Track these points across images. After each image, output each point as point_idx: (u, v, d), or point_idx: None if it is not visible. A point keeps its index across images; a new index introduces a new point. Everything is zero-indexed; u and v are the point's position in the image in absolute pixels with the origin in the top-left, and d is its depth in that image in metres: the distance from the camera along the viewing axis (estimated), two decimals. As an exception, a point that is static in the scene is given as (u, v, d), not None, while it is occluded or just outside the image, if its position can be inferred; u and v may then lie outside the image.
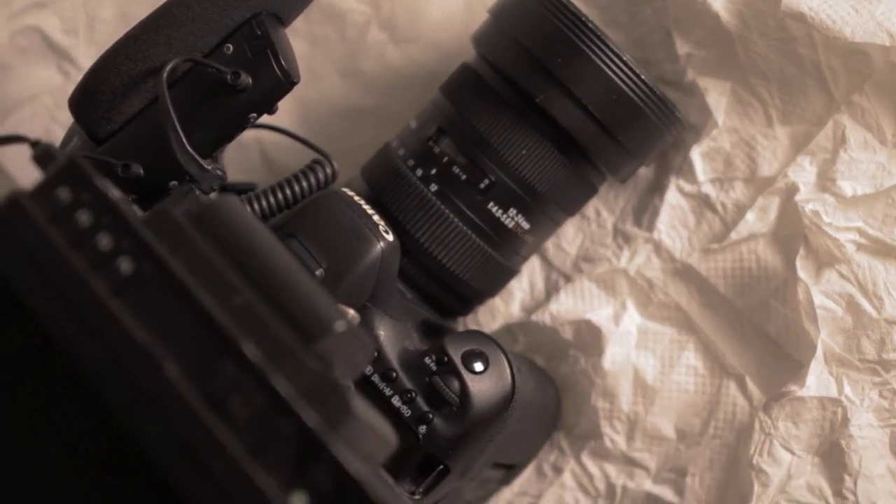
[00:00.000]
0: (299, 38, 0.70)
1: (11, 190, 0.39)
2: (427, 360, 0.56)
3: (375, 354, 0.57)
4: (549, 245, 0.68)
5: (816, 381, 0.60)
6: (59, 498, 0.37)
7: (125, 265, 0.38)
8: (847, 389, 0.60)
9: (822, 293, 0.61)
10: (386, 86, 0.71)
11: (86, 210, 0.39)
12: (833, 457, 0.60)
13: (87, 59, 0.70)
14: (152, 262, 0.38)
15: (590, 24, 0.57)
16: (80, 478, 0.37)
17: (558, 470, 0.66)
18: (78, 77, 0.55)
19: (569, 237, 0.68)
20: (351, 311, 0.49)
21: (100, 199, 0.39)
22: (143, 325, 0.37)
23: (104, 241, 0.38)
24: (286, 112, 0.68)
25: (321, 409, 0.36)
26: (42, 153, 0.42)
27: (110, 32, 0.69)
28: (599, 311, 0.66)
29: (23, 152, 0.71)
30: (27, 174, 0.55)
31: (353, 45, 0.71)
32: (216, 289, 0.38)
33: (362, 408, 0.38)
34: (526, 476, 0.66)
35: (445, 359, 0.56)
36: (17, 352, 0.38)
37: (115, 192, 0.39)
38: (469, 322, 0.68)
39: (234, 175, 0.64)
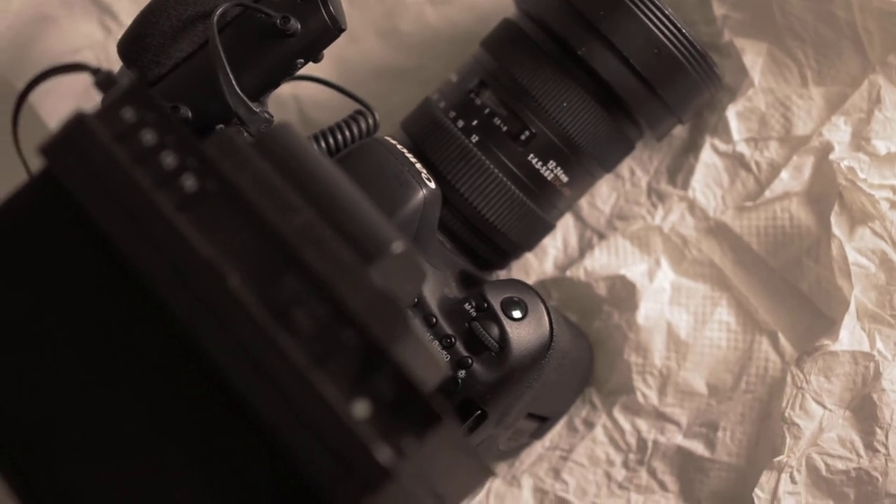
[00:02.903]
0: (338, -3, 0.71)
1: (76, 110, 0.40)
2: (467, 305, 0.57)
3: (416, 300, 0.57)
4: (583, 203, 0.68)
5: (849, 335, 0.61)
6: (127, 409, 0.38)
7: (189, 182, 0.39)
8: (879, 344, 0.61)
9: (855, 250, 0.62)
10: (424, 46, 0.71)
11: (150, 129, 0.39)
12: (864, 410, 0.60)
13: (128, 15, 0.70)
14: (216, 180, 0.39)
15: (632, -23, 0.58)
16: (148, 389, 0.38)
17: (590, 425, 0.66)
18: (119, 33, 0.56)
19: (603, 196, 0.68)
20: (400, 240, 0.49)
21: (163, 119, 0.40)
22: (207, 239, 0.38)
23: (168, 160, 0.39)
24: (323, 70, 0.69)
25: (381, 324, 0.37)
26: (104, 79, 0.43)
27: (152, -11, 0.70)
28: (633, 267, 0.66)
29: (59, 107, 0.72)
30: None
31: (391, 5, 0.72)
32: (278, 207, 0.39)
33: (419, 328, 0.39)
34: (557, 430, 0.67)
35: (485, 305, 0.57)
36: (85, 269, 0.39)
37: (177, 116, 0.40)
38: (502, 277, 0.68)
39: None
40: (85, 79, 0.73)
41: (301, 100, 0.72)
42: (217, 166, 0.39)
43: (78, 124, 0.39)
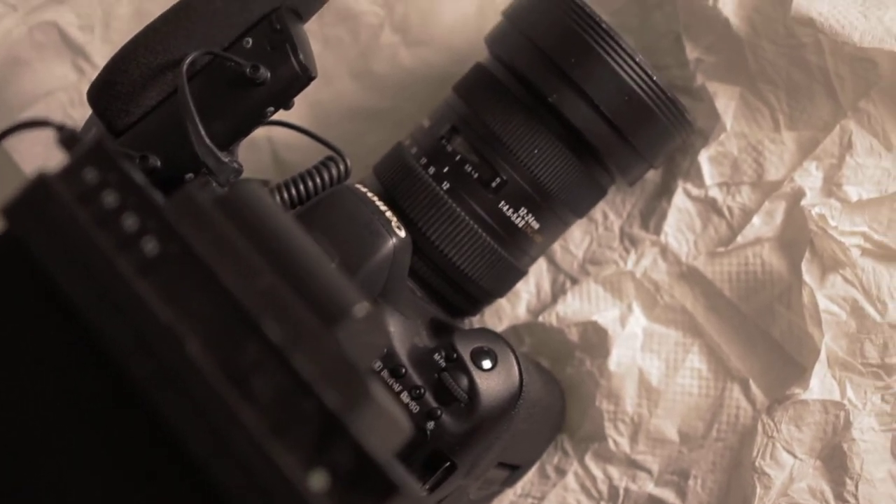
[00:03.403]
0: (312, 38, 0.70)
1: (38, 170, 0.39)
2: (436, 356, 0.57)
3: (385, 350, 0.57)
4: (556, 247, 0.68)
5: (820, 384, 0.61)
6: (82, 475, 0.37)
7: (150, 245, 0.38)
8: (850, 393, 0.61)
9: (826, 297, 0.62)
10: (398, 88, 0.71)
11: (112, 191, 0.39)
12: (835, 460, 0.60)
13: (102, 56, 0.70)
14: (177, 243, 0.38)
15: (603, 25, 0.58)
16: (102, 455, 0.37)
17: (561, 472, 0.66)
18: (93, 74, 0.56)
19: (576, 240, 0.68)
20: (364, 301, 0.49)
21: (126, 180, 0.39)
22: (167, 304, 0.37)
23: (130, 222, 0.39)
24: (298, 113, 0.69)
25: (341, 391, 0.36)
26: (67, 137, 0.43)
27: (126, 30, 0.70)
28: (605, 312, 0.66)
29: (32, 150, 0.72)
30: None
31: (366, 46, 0.72)
32: (239, 270, 0.38)
33: (380, 393, 0.38)
34: (529, 478, 0.66)
35: (455, 355, 0.57)
36: (44, 330, 0.39)
37: (140, 175, 0.40)
38: (475, 324, 0.68)
39: (244, 175, 0.65)
40: (59, 117, 0.73)
41: (275, 142, 0.72)
42: (178, 228, 0.38)
43: (40, 185, 0.39)
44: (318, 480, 0.35)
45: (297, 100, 0.56)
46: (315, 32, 0.71)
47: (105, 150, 0.40)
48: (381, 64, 0.71)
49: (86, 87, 0.70)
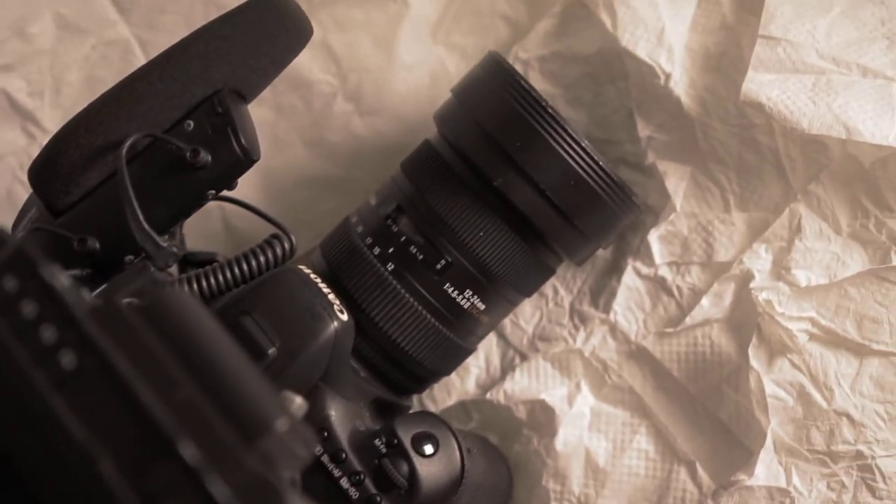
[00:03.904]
0: (265, 106, 0.71)
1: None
2: (377, 441, 0.56)
3: (325, 434, 0.57)
4: (507, 322, 0.68)
5: (766, 470, 0.60)
6: None
7: (67, 359, 0.38)
8: (795, 480, 0.60)
9: (773, 382, 0.61)
10: (350, 156, 0.71)
11: (31, 300, 0.38)
12: (780, 547, 0.60)
13: (52, 121, 0.70)
14: (95, 357, 0.38)
15: (549, 109, 0.58)
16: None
17: (508, 549, 0.66)
18: (43, 139, 0.55)
19: (526, 315, 0.68)
20: (298, 400, 0.49)
21: (46, 289, 0.39)
22: (81, 421, 0.37)
23: (48, 334, 0.38)
24: (248, 180, 0.68)
25: (257, 512, 0.36)
26: (-9, 238, 0.42)
27: (76, 96, 0.69)
28: (553, 391, 0.66)
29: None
30: None
31: (319, 114, 0.71)
32: (158, 384, 0.38)
33: (299, 507, 0.38)
34: (476, 553, 0.66)
35: (395, 441, 0.56)
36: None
37: (62, 281, 0.39)
38: (424, 398, 0.68)
39: (195, 242, 0.64)
40: (9, 181, 0.72)
41: (226, 210, 0.71)
42: (97, 341, 0.38)
43: (-43, 293, 0.39)
44: None
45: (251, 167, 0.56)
46: (268, 100, 0.71)
47: (26, 257, 0.39)
48: (334, 133, 0.71)
49: (36, 152, 0.70)
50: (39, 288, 0.39)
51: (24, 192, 0.59)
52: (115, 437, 0.37)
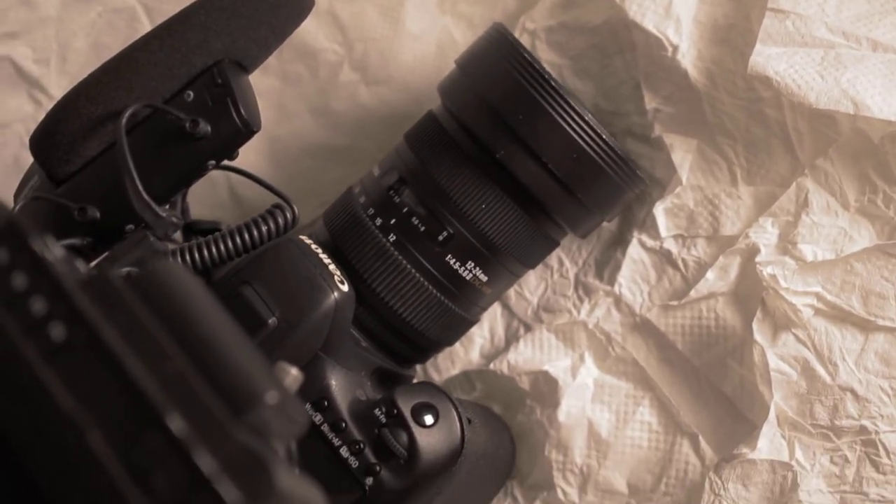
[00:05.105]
0: (271, 75, 0.71)
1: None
2: (377, 411, 0.57)
3: (326, 404, 0.57)
4: (511, 293, 0.68)
5: (768, 444, 0.60)
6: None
7: (57, 331, 0.38)
8: (798, 454, 0.60)
9: (777, 356, 0.61)
10: (356, 126, 0.71)
11: (22, 272, 0.38)
12: (781, 521, 0.60)
13: (58, 88, 0.70)
14: (84, 329, 0.38)
15: (552, 82, 0.57)
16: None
17: (510, 519, 0.66)
18: (50, 106, 0.55)
19: (531, 286, 0.68)
20: (293, 371, 0.49)
21: (36, 261, 0.39)
22: (70, 392, 0.37)
23: (38, 306, 0.38)
24: (255, 148, 0.68)
25: (243, 485, 0.36)
26: (-15, 209, 0.42)
27: (82, 63, 0.69)
28: (557, 362, 0.66)
29: None
30: None
31: (325, 84, 0.71)
32: (148, 356, 0.38)
33: (289, 481, 0.38)
34: (478, 523, 0.66)
35: (395, 411, 0.56)
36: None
37: (54, 252, 0.39)
38: (428, 367, 0.68)
39: (201, 211, 0.64)
40: (16, 148, 0.72)
41: (232, 179, 0.71)
42: (87, 313, 0.38)
43: (-52, 265, 0.39)
44: (212, 581, 0.34)
45: (258, 134, 0.56)
46: (274, 68, 0.71)
47: (17, 229, 0.39)
48: (340, 102, 0.71)
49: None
50: (30, 260, 0.39)
51: (30, 158, 0.59)
52: (104, 409, 0.37)
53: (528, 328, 0.67)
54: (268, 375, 0.40)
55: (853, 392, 0.60)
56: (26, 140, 0.70)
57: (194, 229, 0.63)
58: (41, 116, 0.70)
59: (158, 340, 0.38)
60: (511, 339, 0.68)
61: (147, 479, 0.36)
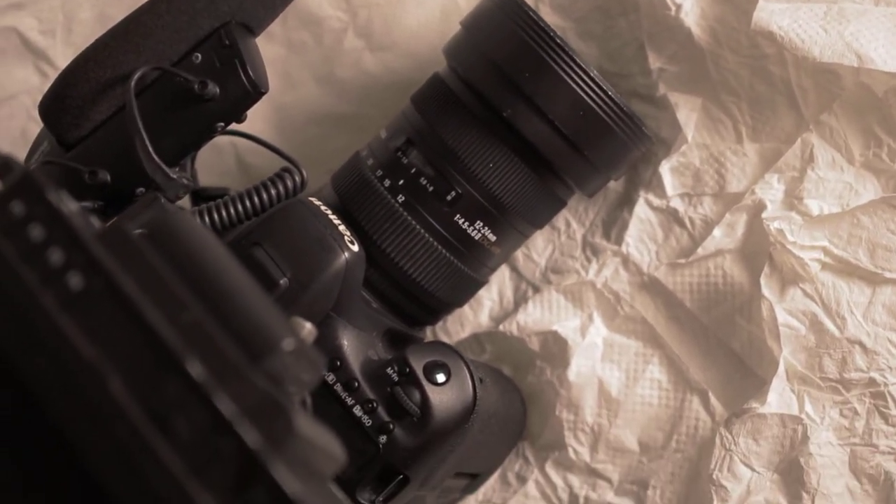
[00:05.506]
0: (276, 42, 0.71)
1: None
2: (389, 370, 0.57)
3: (338, 363, 0.57)
4: (519, 255, 0.68)
5: (778, 398, 0.60)
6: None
7: (75, 280, 0.38)
8: (808, 407, 0.60)
9: (785, 311, 0.61)
10: (361, 93, 0.71)
11: (38, 224, 0.39)
12: (792, 474, 0.60)
13: (64, 59, 0.70)
14: (102, 278, 0.38)
15: (558, 40, 0.57)
16: (18, 491, 0.37)
17: (522, 479, 0.66)
18: (55, 76, 0.56)
19: (538, 248, 0.68)
20: (308, 325, 0.49)
21: (53, 213, 0.39)
22: (90, 340, 0.37)
23: (55, 256, 0.38)
24: (261, 116, 0.69)
25: (263, 429, 0.36)
26: (0, 165, 0.43)
27: (88, 34, 0.69)
28: (566, 322, 0.66)
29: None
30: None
31: (330, 51, 0.71)
32: (165, 305, 0.38)
33: (307, 426, 0.38)
34: (490, 484, 0.66)
35: (407, 370, 0.57)
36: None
37: (70, 206, 0.40)
38: (437, 330, 0.68)
39: (208, 179, 0.65)
40: (23, 119, 0.72)
41: (238, 146, 0.72)
42: (104, 263, 0.38)
43: (-35, 218, 0.39)
44: (234, 521, 0.35)
45: (260, 103, 0.56)
46: (279, 36, 0.71)
47: (33, 182, 0.40)
48: (345, 69, 0.71)
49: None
50: (46, 212, 0.39)
51: (38, 129, 0.60)
52: (123, 356, 0.37)
53: (536, 290, 0.68)
54: (284, 324, 0.40)
55: (861, 345, 0.60)
56: (33, 112, 0.71)
57: (202, 196, 0.63)
58: (47, 88, 0.71)
59: (175, 290, 0.39)
60: (520, 301, 0.68)
61: (168, 423, 0.36)
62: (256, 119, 0.65)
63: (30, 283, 0.38)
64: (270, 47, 0.70)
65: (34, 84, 0.72)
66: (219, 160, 0.71)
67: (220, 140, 0.70)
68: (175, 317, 0.38)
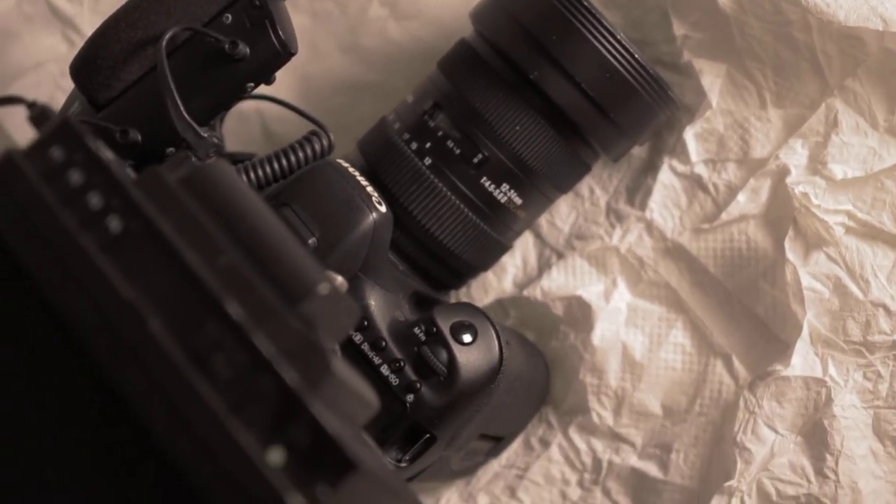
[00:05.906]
0: (301, 12, 0.71)
1: (6, 148, 0.40)
2: (416, 330, 0.57)
3: (365, 323, 0.57)
4: (543, 222, 0.68)
5: (802, 361, 0.61)
6: (38, 447, 0.38)
7: (114, 223, 0.39)
8: (832, 370, 0.61)
9: (809, 274, 0.62)
10: (386, 61, 0.71)
11: (78, 169, 0.39)
12: (816, 436, 0.60)
13: (91, 27, 0.70)
14: (141, 221, 0.39)
15: (585, 2, 0.58)
16: (60, 429, 0.38)
17: (546, 443, 0.66)
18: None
19: (562, 214, 0.68)
20: (339, 278, 0.50)
21: (91, 158, 0.40)
22: (129, 281, 0.38)
23: (94, 200, 0.39)
24: (286, 86, 0.69)
25: (301, 369, 0.37)
26: (38, 114, 0.43)
27: (115, 1, 0.70)
28: (590, 287, 0.66)
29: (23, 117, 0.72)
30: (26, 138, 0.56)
31: (354, 19, 0.72)
32: (202, 249, 0.39)
33: (343, 369, 0.39)
34: (513, 449, 0.67)
35: (434, 329, 0.57)
36: (6, 305, 0.39)
37: (107, 153, 0.40)
38: (461, 296, 0.68)
39: (234, 146, 0.65)
40: (50, 88, 0.73)
41: (264, 114, 0.72)
42: (143, 207, 0.39)
43: (6, 163, 0.39)
44: (275, 457, 0.35)
45: (286, 72, 0.57)
46: (303, 6, 0.71)
47: (72, 128, 0.40)
48: (370, 38, 0.71)
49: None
50: (86, 157, 0.40)
51: (64, 98, 0.60)
52: (162, 297, 0.38)
53: (560, 256, 0.68)
54: (319, 269, 0.41)
55: (885, 308, 0.61)
56: (60, 80, 0.72)
57: (230, 160, 0.63)
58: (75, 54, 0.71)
59: (212, 234, 0.39)
60: (543, 267, 0.68)
61: (208, 363, 0.37)
62: (282, 88, 0.65)
63: (70, 227, 0.38)
64: (295, 17, 0.70)
65: (61, 52, 0.72)
66: (244, 128, 0.71)
67: (246, 107, 0.71)
68: (213, 260, 0.38)
